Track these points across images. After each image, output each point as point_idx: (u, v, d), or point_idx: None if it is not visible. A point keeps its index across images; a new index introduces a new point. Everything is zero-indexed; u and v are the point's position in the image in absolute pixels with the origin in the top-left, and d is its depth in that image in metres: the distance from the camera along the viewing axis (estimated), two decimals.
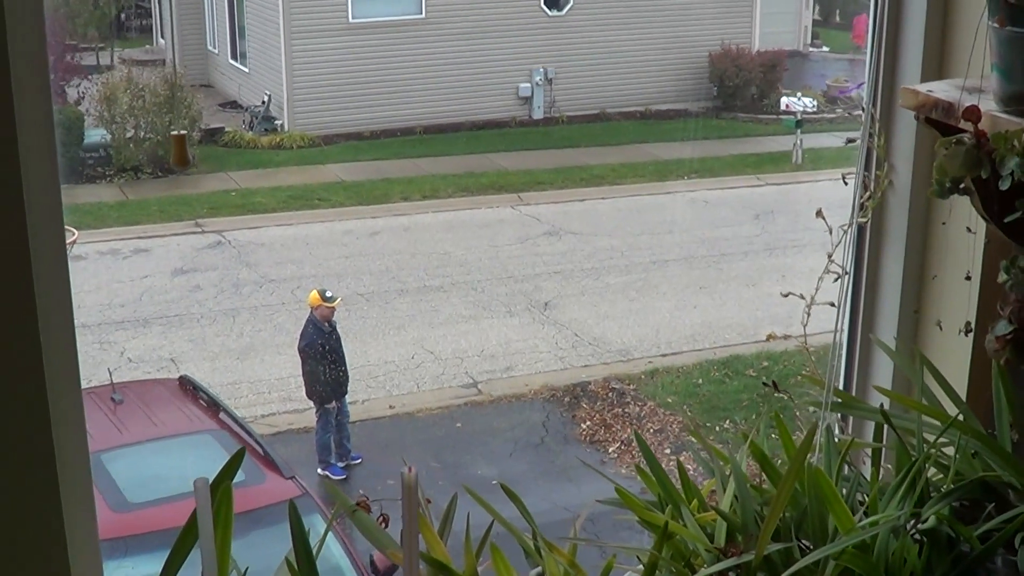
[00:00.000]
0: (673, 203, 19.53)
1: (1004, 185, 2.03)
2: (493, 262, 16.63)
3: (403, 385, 13.19)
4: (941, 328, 2.76)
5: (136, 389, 10.86)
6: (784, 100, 24.26)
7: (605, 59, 24.48)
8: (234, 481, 2.13)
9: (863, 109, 2.89)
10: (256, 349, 13.77)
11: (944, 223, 2.73)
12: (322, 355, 11.75)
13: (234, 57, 25.10)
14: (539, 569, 2.34)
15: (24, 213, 1.71)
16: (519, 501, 2.41)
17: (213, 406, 10.04)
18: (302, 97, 22.67)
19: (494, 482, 10.06)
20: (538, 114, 24.35)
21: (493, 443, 12.14)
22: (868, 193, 2.87)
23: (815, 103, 24.03)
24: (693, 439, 12.36)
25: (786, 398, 2.97)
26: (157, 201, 18.74)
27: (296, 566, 2.17)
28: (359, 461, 11.68)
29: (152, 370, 13.04)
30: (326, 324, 11.89)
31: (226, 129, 22.31)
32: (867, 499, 2.33)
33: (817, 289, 2.83)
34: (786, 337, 9.84)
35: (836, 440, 2.55)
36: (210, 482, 2.06)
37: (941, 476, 2.38)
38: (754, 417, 11.89)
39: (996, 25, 2.13)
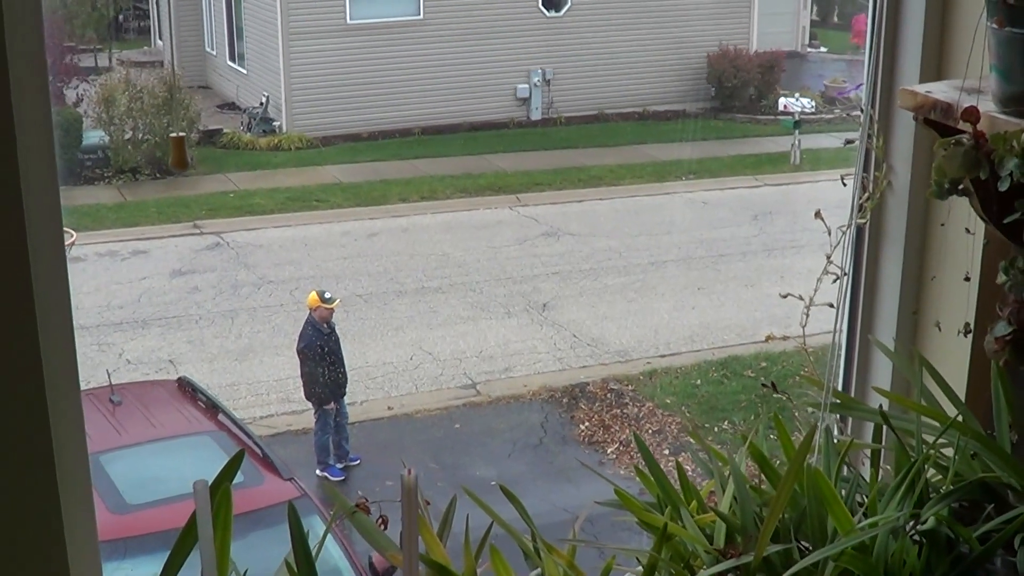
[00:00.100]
0: (671, 204, 19.53)
1: (1003, 186, 2.03)
2: (491, 263, 16.63)
3: (401, 386, 13.19)
4: (940, 329, 2.76)
5: (135, 391, 10.86)
6: (782, 101, 24.27)
7: (603, 60, 24.49)
8: (232, 482, 2.13)
9: (862, 110, 2.89)
10: (255, 350, 13.77)
11: (943, 224, 2.73)
12: (321, 356, 11.75)
13: (232, 58, 25.09)
14: (538, 570, 2.34)
15: (23, 214, 1.71)
16: (518, 503, 2.41)
17: (212, 407, 10.04)
18: (300, 98, 22.67)
19: (493, 483, 10.07)
20: (536, 115, 24.36)
21: (492, 444, 12.14)
22: (867, 194, 2.87)
23: (813, 104, 24.05)
24: (692, 440, 12.37)
25: (785, 399, 2.97)
26: (155, 202, 18.74)
27: (295, 568, 2.17)
28: (358, 462, 11.68)
29: (151, 371, 13.04)
30: (325, 325, 11.88)
31: (224, 130, 22.32)
32: (866, 500, 2.33)
33: (816, 290, 2.83)
34: (785, 338, 9.86)
35: (835, 441, 2.55)
36: (209, 484, 2.06)
37: (940, 477, 2.38)
38: (753, 418, 11.90)
39: (995, 26, 2.13)
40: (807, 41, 28.44)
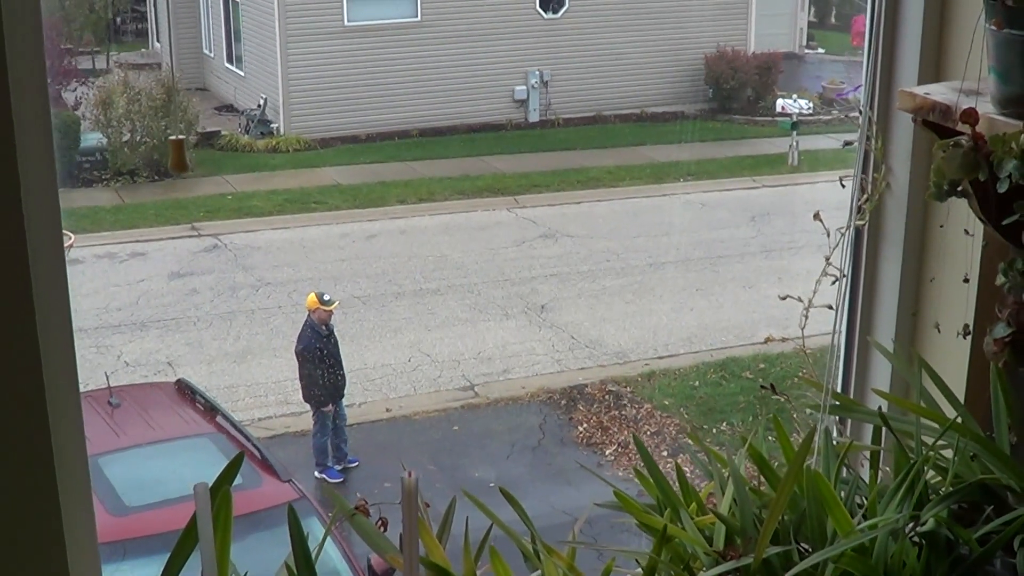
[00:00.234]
0: (670, 205, 19.54)
1: (1002, 188, 2.03)
2: (489, 265, 16.63)
3: (400, 388, 13.18)
4: (939, 331, 2.76)
5: (133, 393, 10.86)
6: (780, 102, 24.28)
7: (601, 62, 24.49)
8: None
9: (860, 112, 2.89)
10: (253, 352, 13.76)
11: (942, 225, 2.73)
12: (319, 358, 11.74)
13: (230, 60, 25.08)
14: (538, 572, 2.34)
15: (22, 216, 1.71)
16: (518, 505, 2.41)
17: (210, 409, 10.04)
18: (298, 100, 22.67)
19: (491, 485, 10.08)
20: (534, 117, 24.36)
21: (490, 446, 12.14)
22: (866, 196, 2.87)
23: (811, 105, 24.06)
24: (690, 441, 12.36)
25: (784, 400, 2.97)
26: (153, 205, 18.73)
27: (295, 570, 2.17)
28: (356, 464, 11.67)
29: (149, 374, 13.03)
30: (323, 327, 11.88)
31: (222, 133, 22.31)
32: (866, 502, 2.33)
33: (815, 291, 2.83)
34: (784, 339, 9.86)
35: (834, 443, 2.55)
36: (209, 486, 2.06)
37: (940, 479, 2.38)
38: (751, 419, 11.90)
39: (993, 28, 2.13)
40: (805, 42, 28.45)
